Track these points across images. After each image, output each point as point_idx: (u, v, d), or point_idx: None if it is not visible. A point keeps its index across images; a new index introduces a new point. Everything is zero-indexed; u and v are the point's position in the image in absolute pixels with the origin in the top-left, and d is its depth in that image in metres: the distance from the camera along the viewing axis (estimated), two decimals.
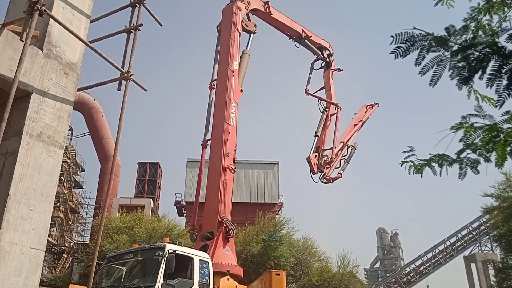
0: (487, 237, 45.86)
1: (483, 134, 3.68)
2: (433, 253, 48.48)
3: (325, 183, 21.63)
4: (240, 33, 16.55)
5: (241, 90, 15.76)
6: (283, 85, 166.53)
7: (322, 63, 23.16)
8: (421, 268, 48.79)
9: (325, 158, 21.38)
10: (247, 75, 16.78)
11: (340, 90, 22.79)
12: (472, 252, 48.04)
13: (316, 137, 21.76)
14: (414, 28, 3.53)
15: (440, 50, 3.52)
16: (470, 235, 48.39)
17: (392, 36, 3.56)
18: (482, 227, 47.01)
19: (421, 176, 4.08)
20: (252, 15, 17.92)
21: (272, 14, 18.84)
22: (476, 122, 3.72)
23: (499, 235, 29.50)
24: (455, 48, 3.45)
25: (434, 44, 3.49)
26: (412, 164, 4.09)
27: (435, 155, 3.97)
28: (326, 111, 22.42)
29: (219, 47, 16.98)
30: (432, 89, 3.79)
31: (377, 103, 25.28)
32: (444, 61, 3.54)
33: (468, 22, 4.00)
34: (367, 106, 24.92)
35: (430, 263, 48.43)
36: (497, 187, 27.23)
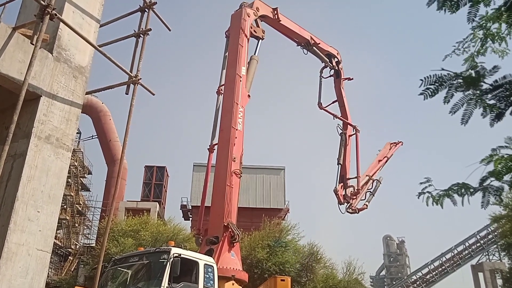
0: (495, 246, 45.35)
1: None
2: (440, 262, 48.04)
3: (351, 213, 22.19)
4: (248, 39, 16.59)
5: (249, 96, 15.79)
6: (291, 90, 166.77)
7: (330, 71, 23.12)
8: (427, 277, 48.35)
9: (351, 188, 21.97)
10: (255, 81, 16.83)
11: (351, 102, 23.20)
12: (479, 261, 47.51)
13: (339, 165, 22.11)
14: (442, 69, 3.60)
15: (469, 89, 3.55)
16: (478, 244, 47.89)
17: (421, 80, 3.65)
18: (490, 236, 46.54)
19: (442, 207, 3.91)
20: (261, 21, 17.96)
21: (280, 21, 18.87)
22: (506, 154, 3.64)
23: (507, 244, 29.21)
24: (485, 87, 3.48)
25: (462, 84, 3.54)
26: (429, 195, 3.94)
27: (455, 184, 3.82)
28: (344, 133, 22.68)
29: (227, 53, 17.04)
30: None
31: (401, 142, 26.23)
32: (474, 99, 3.57)
33: (476, 30, 3.99)
34: (391, 144, 25.83)
35: (437, 271, 47.99)
36: (506, 195, 26.99)
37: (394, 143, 25.98)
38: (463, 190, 3.78)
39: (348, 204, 21.96)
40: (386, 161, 24.72)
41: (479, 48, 4.05)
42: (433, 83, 3.62)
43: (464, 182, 3.79)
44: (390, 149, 25.41)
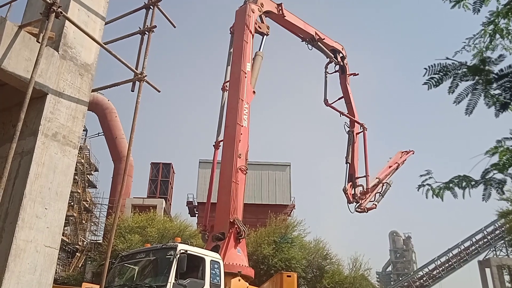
0: (502, 241, 45.15)
1: None
2: (447, 257, 47.84)
3: (359, 212, 22.28)
4: (253, 35, 16.57)
5: (254, 92, 15.78)
6: (296, 86, 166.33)
7: (335, 66, 23.02)
8: (434, 272, 48.21)
9: (360, 188, 22.03)
10: (260, 77, 16.81)
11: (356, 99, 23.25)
12: (486, 257, 47.28)
13: (347, 164, 22.15)
14: (447, 58, 3.55)
15: (474, 79, 3.50)
16: (485, 239, 47.63)
17: (425, 68, 3.59)
18: (497, 232, 46.24)
19: (442, 200, 3.85)
20: (265, 17, 17.93)
21: (285, 16, 18.82)
22: None
23: None
24: (491, 77, 3.44)
25: (468, 73, 3.49)
26: (429, 188, 3.88)
27: (456, 176, 3.76)
28: (352, 131, 22.64)
29: (232, 49, 17.04)
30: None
31: (412, 150, 26.41)
32: (478, 89, 3.52)
33: (487, 27, 3.95)
34: (402, 152, 26.08)
35: (443, 267, 47.82)
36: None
37: (406, 151, 26.17)
38: (464, 183, 3.72)
39: (358, 204, 22.02)
40: (397, 168, 24.79)
41: (488, 43, 4.01)
42: (437, 72, 3.56)
43: (466, 175, 3.74)
44: (401, 157, 25.54)
